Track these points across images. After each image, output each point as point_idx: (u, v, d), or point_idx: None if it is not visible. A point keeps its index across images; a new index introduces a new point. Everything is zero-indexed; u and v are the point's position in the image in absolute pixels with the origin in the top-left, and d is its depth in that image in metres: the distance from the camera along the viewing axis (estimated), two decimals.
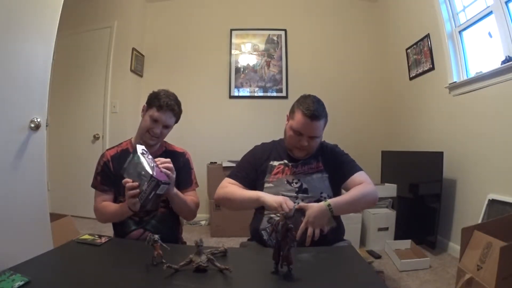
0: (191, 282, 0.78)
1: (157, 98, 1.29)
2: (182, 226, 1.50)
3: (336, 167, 1.31)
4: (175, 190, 1.24)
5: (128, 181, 1.10)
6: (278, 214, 1.05)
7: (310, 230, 1.08)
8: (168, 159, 1.20)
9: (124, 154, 1.35)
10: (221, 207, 2.88)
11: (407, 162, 2.85)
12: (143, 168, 1.07)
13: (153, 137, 1.30)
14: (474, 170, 2.19)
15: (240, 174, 1.35)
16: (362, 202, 1.26)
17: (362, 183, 1.26)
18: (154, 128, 1.29)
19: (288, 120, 1.32)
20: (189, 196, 1.35)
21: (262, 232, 1.23)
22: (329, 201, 1.16)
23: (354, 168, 1.31)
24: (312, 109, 1.21)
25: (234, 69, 3.60)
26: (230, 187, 1.31)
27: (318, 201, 1.24)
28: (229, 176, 1.36)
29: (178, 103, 1.34)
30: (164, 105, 1.27)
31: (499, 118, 1.97)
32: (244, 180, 1.32)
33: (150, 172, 1.05)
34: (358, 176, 1.29)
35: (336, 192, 1.32)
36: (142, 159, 1.09)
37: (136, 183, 1.09)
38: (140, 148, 1.14)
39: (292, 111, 1.30)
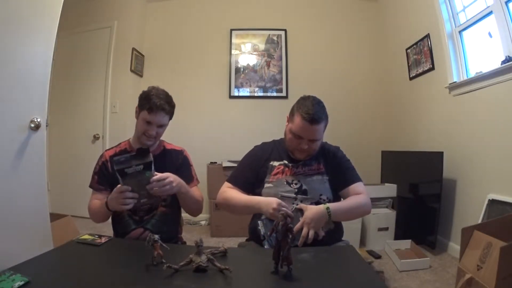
0: (191, 282, 0.78)
1: (146, 99, 1.28)
2: (182, 226, 1.50)
3: (337, 171, 1.31)
4: (187, 187, 1.28)
5: (126, 189, 1.11)
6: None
7: (304, 231, 1.07)
8: (164, 176, 1.16)
9: (122, 155, 1.35)
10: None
11: (407, 162, 2.85)
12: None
13: (150, 138, 1.31)
14: (474, 170, 2.19)
15: (239, 177, 1.35)
16: (358, 212, 1.28)
17: (360, 194, 1.26)
18: (149, 130, 1.29)
19: (288, 122, 1.31)
20: (194, 188, 1.38)
21: (259, 222, 1.23)
22: (329, 205, 1.16)
23: (355, 177, 1.31)
24: (312, 112, 1.19)
25: (234, 69, 3.60)
26: (229, 192, 1.31)
27: (317, 202, 1.23)
28: (228, 180, 1.36)
29: (168, 101, 1.31)
30: (154, 107, 1.26)
31: (499, 118, 1.97)
32: (243, 184, 1.32)
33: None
34: (358, 186, 1.29)
35: (336, 195, 1.31)
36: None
37: (136, 195, 1.13)
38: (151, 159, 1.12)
39: (291, 114, 1.28)
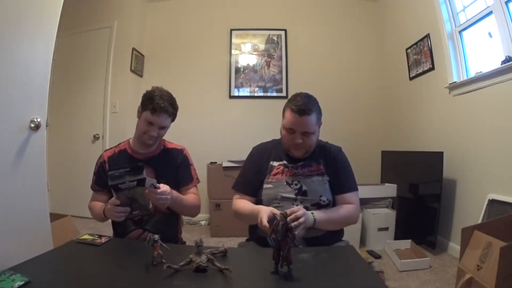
0: (191, 282, 0.78)
1: (150, 100, 1.27)
2: (181, 226, 1.50)
3: (336, 175, 1.29)
4: (180, 199, 1.28)
5: (115, 202, 1.14)
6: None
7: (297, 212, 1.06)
8: (164, 190, 1.16)
9: (121, 155, 1.36)
10: (221, 206, 2.91)
11: (407, 162, 2.85)
12: (145, 200, 1.15)
13: (151, 138, 1.31)
14: (474, 170, 2.19)
15: (244, 184, 1.34)
16: (343, 223, 1.27)
17: (352, 205, 1.26)
18: (150, 131, 1.28)
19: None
20: (190, 195, 1.37)
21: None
22: (316, 214, 1.15)
23: (352, 185, 1.30)
24: (300, 104, 1.19)
25: (234, 69, 3.60)
26: (237, 204, 1.31)
27: (317, 204, 1.23)
28: (234, 188, 1.36)
29: (172, 103, 1.31)
30: (158, 108, 1.25)
31: (499, 118, 1.97)
32: (249, 190, 1.32)
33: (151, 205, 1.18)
34: (353, 196, 1.28)
35: (334, 197, 1.29)
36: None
37: (128, 208, 1.15)
38: (149, 182, 1.13)
39: (283, 111, 1.29)
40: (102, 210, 1.24)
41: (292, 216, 1.04)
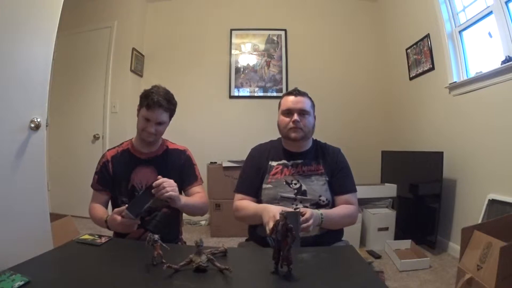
0: (191, 282, 0.78)
1: (145, 97, 1.28)
2: (182, 227, 1.50)
3: (335, 176, 1.30)
4: (182, 201, 1.25)
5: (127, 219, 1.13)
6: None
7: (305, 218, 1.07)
8: (169, 184, 1.17)
9: (124, 155, 1.36)
10: (221, 206, 2.91)
11: (407, 162, 2.85)
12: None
13: (149, 135, 1.31)
14: (474, 170, 2.19)
15: (245, 185, 1.34)
16: (345, 223, 1.29)
17: (352, 205, 1.28)
18: (148, 127, 1.28)
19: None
20: (197, 194, 1.37)
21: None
22: (322, 212, 1.16)
23: (351, 186, 1.31)
24: (294, 89, 1.33)
25: (234, 69, 3.60)
26: (239, 205, 1.30)
27: (317, 204, 1.24)
28: (236, 190, 1.36)
29: (168, 98, 1.30)
30: (152, 103, 1.25)
31: (499, 118, 1.97)
32: (251, 190, 1.32)
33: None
34: (352, 197, 1.30)
35: (334, 198, 1.30)
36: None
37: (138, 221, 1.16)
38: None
39: (279, 104, 1.36)
40: (104, 219, 1.22)
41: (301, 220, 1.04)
